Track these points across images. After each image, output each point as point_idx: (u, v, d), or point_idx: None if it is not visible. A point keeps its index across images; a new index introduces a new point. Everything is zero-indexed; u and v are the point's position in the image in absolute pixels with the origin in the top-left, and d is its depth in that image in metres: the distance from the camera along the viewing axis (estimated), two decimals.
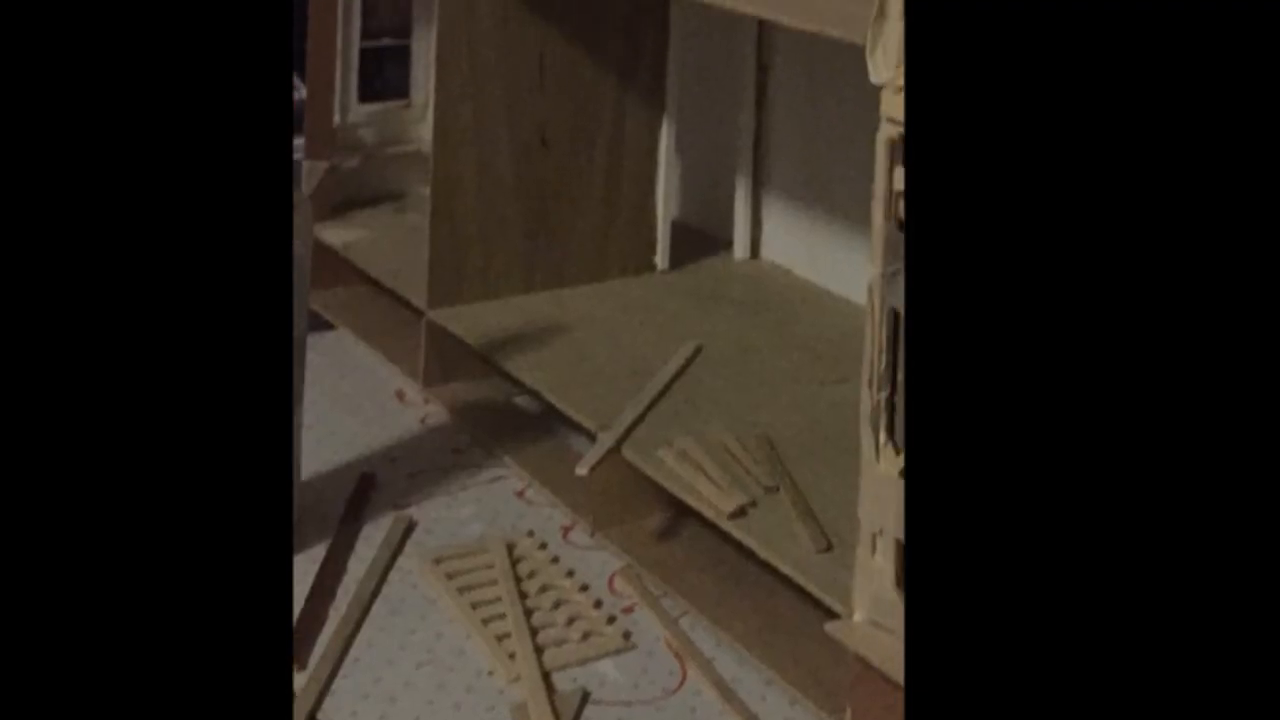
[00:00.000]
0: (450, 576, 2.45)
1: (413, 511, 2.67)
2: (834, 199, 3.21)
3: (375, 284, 3.36)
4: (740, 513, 2.32)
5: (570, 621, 2.36)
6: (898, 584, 1.95)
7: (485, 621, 2.34)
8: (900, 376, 1.97)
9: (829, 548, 2.22)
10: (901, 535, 1.93)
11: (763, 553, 2.25)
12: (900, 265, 1.92)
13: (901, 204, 1.92)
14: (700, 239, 3.53)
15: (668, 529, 2.57)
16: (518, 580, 2.44)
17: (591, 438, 2.64)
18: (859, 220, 2.85)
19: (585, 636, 2.33)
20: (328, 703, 2.17)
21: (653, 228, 3.36)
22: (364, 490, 2.73)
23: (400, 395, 3.15)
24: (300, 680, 2.19)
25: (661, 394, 2.74)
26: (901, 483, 1.92)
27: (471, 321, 3.10)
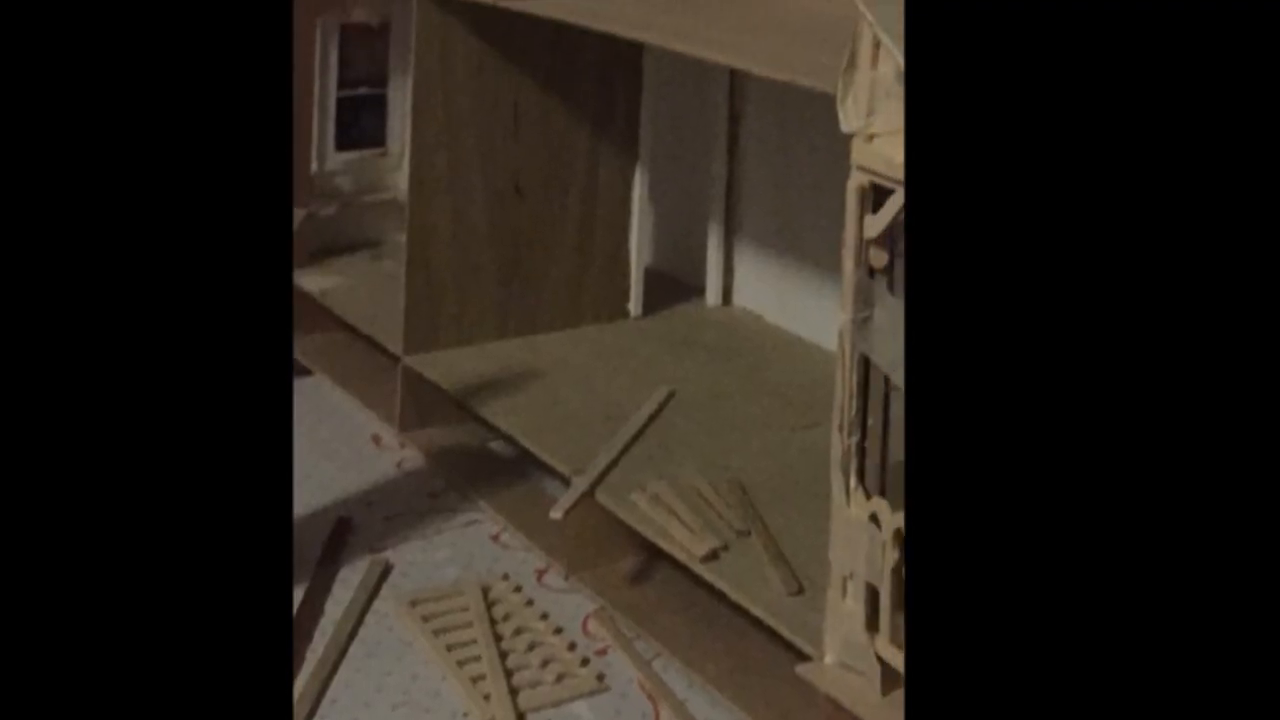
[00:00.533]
0: (426, 619, 2.44)
1: (389, 555, 2.67)
2: (805, 246, 3.22)
3: (352, 330, 3.36)
4: (713, 556, 2.32)
5: (545, 664, 2.35)
6: (868, 627, 1.95)
7: (461, 663, 2.34)
8: (870, 421, 1.97)
9: (800, 591, 2.22)
10: (871, 579, 1.93)
11: (735, 595, 2.25)
12: (871, 311, 1.93)
13: (872, 251, 1.93)
14: (673, 285, 3.54)
15: (641, 572, 2.57)
16: (493, 623, 2.44)
17: (566, 482, 2.64)
18: (830, 267, 2.86)
19: (559, 678, 2.32)
20: None
21: (626, 274, 3.37)
22: (341, 534, 2.72)
23: (377, 440, 3.14)
24: None
25: (635, 439, 2.74)
26: (871, 526, 1.93)
27: (447, 367, 3.09)
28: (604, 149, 3.29)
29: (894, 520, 1.90)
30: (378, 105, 3.92)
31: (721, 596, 2.29)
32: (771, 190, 3.31)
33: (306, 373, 3.39)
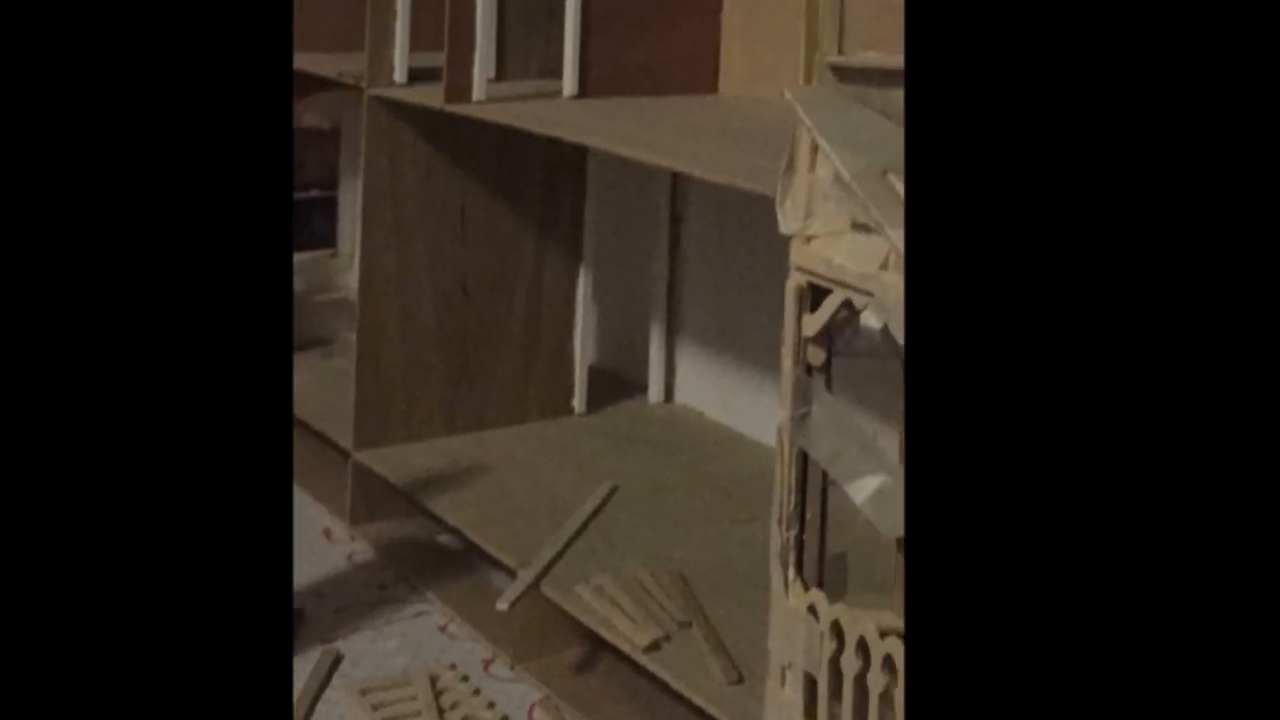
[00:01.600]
0: (376, 708, 2.42)
1: (340, 645, 2.65)
2: (745, 344, 3.23)
3: (304, 425, 3.34)
4: (655, 646, 2.31)
5: None
6: (806, 715, 1.94)
7: None
8: (809, 515, 1.97)
9: (740, 680, 2.22)
10: (809, 669, 1.92)
11: (677, 685, 2.24)
12: (809, 408, 1.93)
13: (810, 349, 1.93)
14: (616, 383, 3.54)
15: (585, 662, 2.56)
16: (440, 712, 2.42)
17: (512, 574, 2.63)
18: (769, 365, 2.87)
19: None
20: None
21: (570, 372, 3.37)
22: (293, 625, 2.70)
23: (328, 533, 3.12)
24: None
25: (579, 532, 2.73)
26: (809, 617, 1.92)
27: (396, 462, 3.09)
28: (549, 250, 3.30)
29: (831, 611, 1.90)
30: (328, 207, 3.93)
31: (664, 686, 2.28)
32: (712, 290, 3.32)
33: None
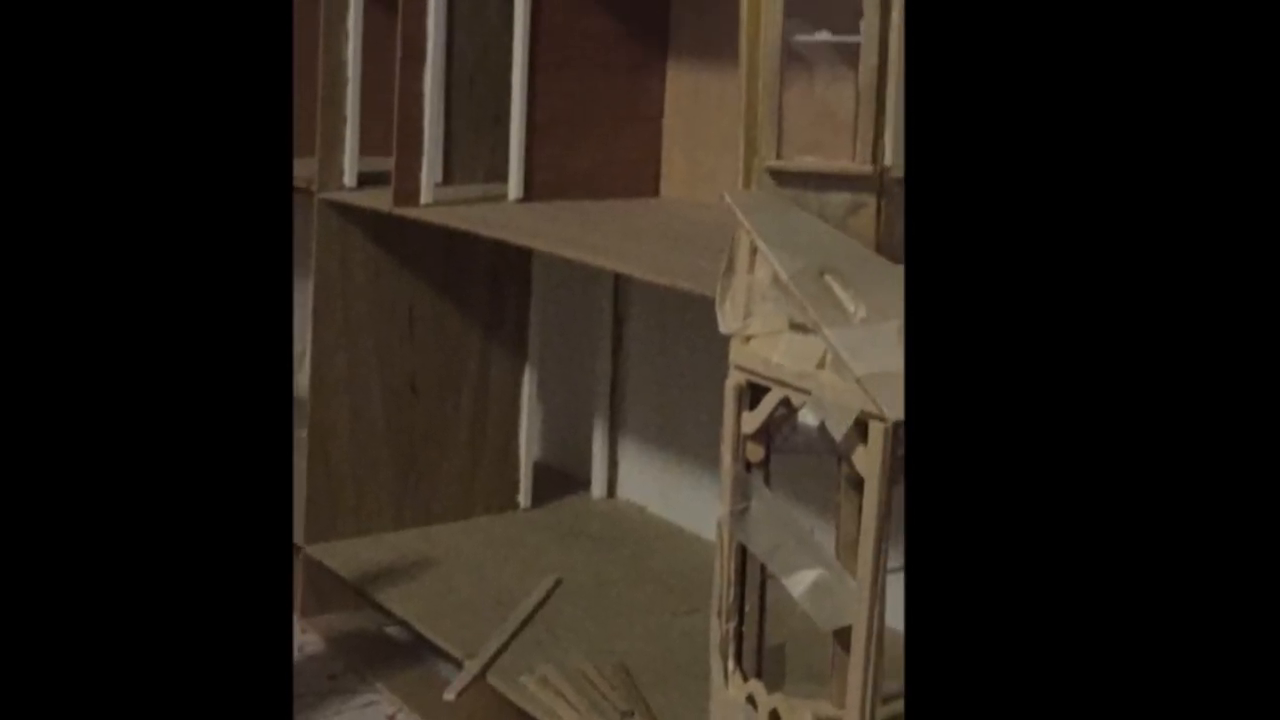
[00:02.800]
0: None
1: None
2: (686, 442, 3.22)
3: None
4: None
5: None
6: None
7: None
8: (748, 607, 1.96)
9: None
10: None
11: None
12: (748, 503, 1.92)
13: (749, 446, 1.93)
14: (561, 479, 3.52)
15: None
16: None
17: (459, 665, 2.61)
18: (709, 462, 2.86)
19: None
20: None
21: (516, 468, 3.35)
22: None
23: None
24: None
25: (524, 624, 2.71)
26: (747, 707, 1.91)
27: (346, 556, 3.06)
28: (495, 350, 3.29)
29: (769, 701, 1.88)
30: None
31: None
32: (654, 388, 3.32)
33: None
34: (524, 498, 3.37)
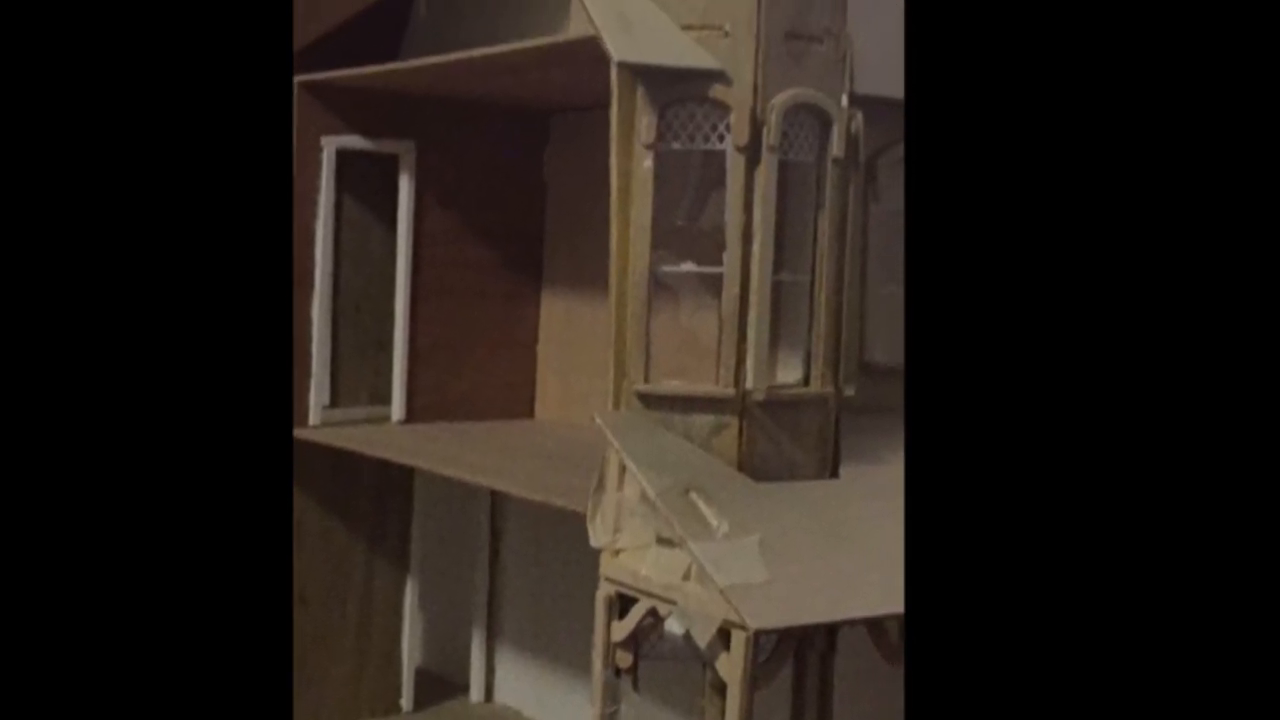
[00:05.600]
0: None
1: None
2: (560, 648, 3.17)
3: None
4: None
5: None
6: None
7: None
8: None
9: None
10: None
11: None
12: (617, 707, 1.89)
13: (618, 653, 1.90)
14: (441, 684, 3.46)
15: None
16: None
17: None
18: (582, 668, 2.81)
19: None
20: None
21: (398, 674, 3.28)
22: None
23: None
24: None
25: None
26: None
27: None
28: (379, 562, 3.23)
29: None
30: None
31: None
32: (529, 598, 3.28)
33: None
34: (406, 701, 3.29)
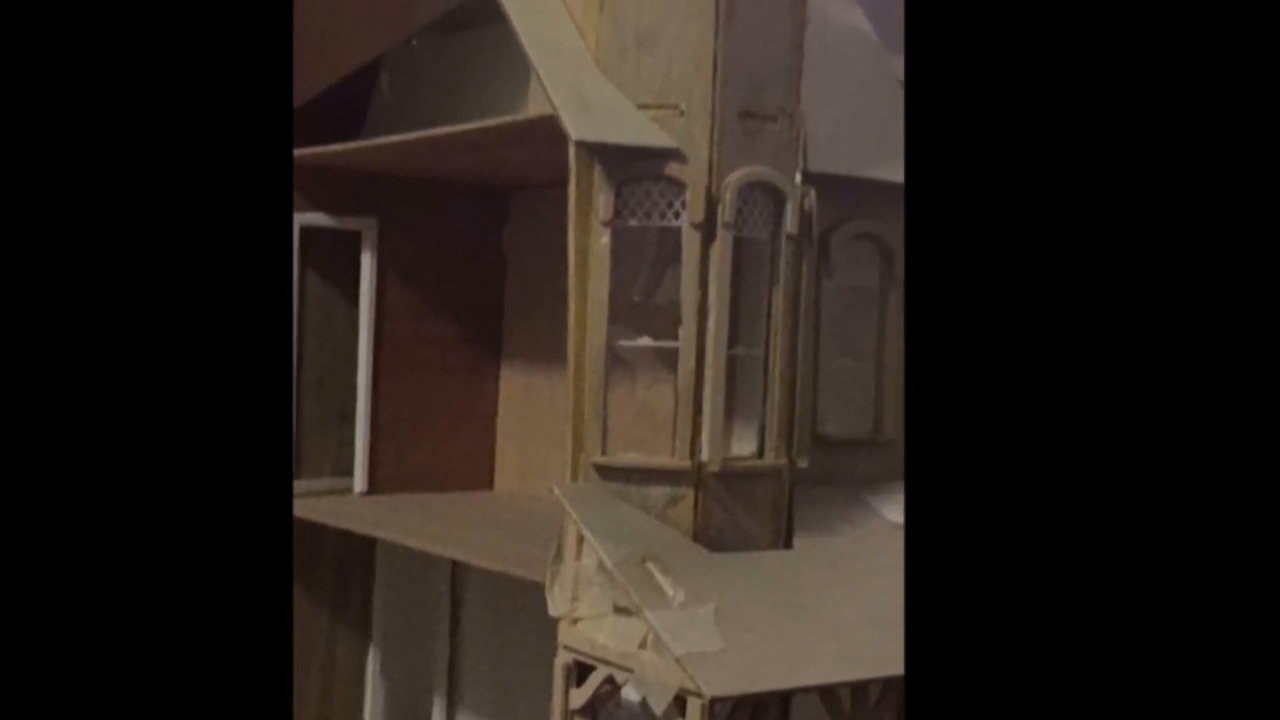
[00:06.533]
0: None
1: None
2: (519, 715, 3.14)
3: None
4: None
5: None
6: None
7: None
8: None
9: None
10: None
11: None
12: None
13: (576, 719, 1.89)
14: None
15: None
16: None
17: None
18: None
19: None
20: None
21: None
22: None
23: None
24: None
25: None
26: None
27: None
28: (341, 631, 3.21)
29: None
30: None
31: None
32: (489, 666, 3.25)
33: None
34: None
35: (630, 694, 1.80)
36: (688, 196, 1.98)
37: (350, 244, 2.90)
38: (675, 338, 1.98)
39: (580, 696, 1.88)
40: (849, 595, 1.97)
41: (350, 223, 2.88)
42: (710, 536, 1.98)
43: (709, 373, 1.97)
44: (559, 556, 1.92)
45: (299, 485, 2.82)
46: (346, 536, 2.92)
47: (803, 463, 2.09)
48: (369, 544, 3.20)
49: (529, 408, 2.97)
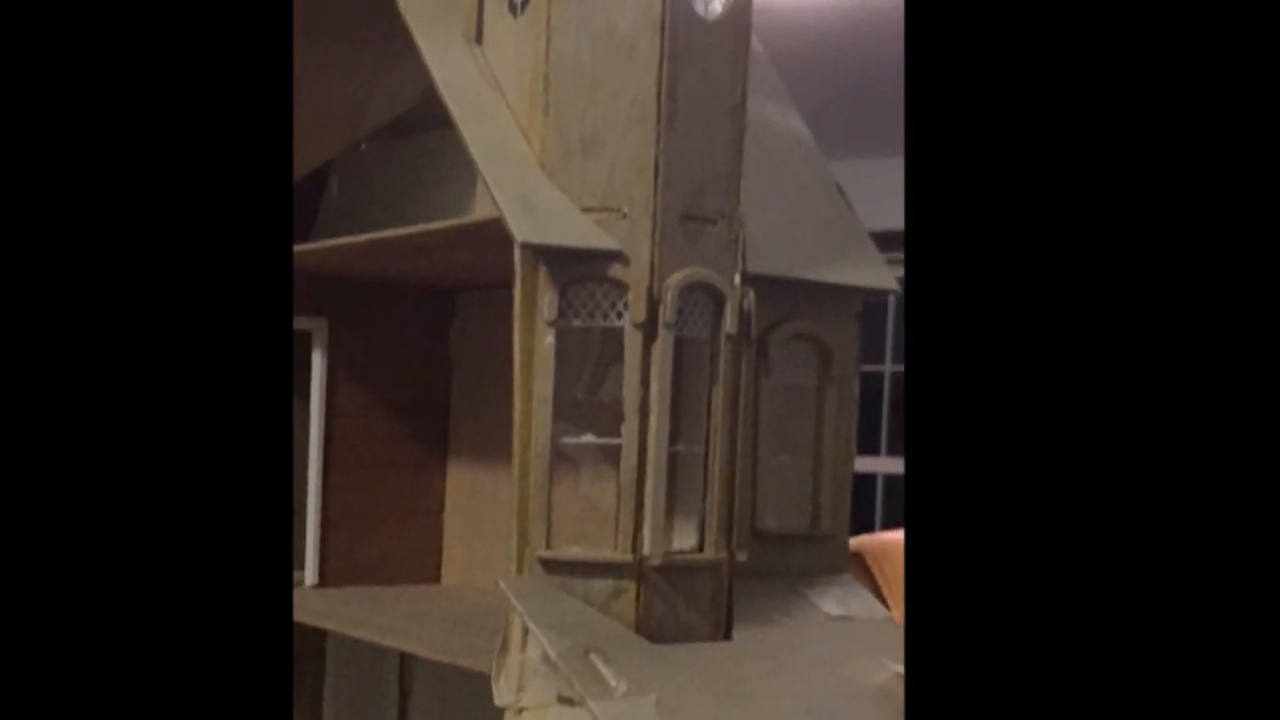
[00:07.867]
0: None
1: None
2: None
3: None
4: None
5: None
6: None
7: None
8: None
9: None
10: None
11: None
12: None
13: None
14: None
15: None
16: None
17: None
18: None
19: None
20: None
21: None
22: None
23: None
24: None
25: None
26: None
27: None
28: (295, 719, 3.17)
29: None
30: None
31: None
32: None
33: None
34: None
35: None
36: (630, 297, 1.98)
37: (301, 344, 2.89)
38: (618, 434, 1.97)
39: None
40: (787, 685, 1.96)
41: (302, 323, 2.87)
42: (652, 628, 1.97)
43: (651, 469, 1.96)
44: (504, 648, 1.90)
45: None
46: (297, 628, 2.88)
47: (742, 556, 2.09)
48: (319, 635, 3.16)
49: (475, 503, 2.95)
